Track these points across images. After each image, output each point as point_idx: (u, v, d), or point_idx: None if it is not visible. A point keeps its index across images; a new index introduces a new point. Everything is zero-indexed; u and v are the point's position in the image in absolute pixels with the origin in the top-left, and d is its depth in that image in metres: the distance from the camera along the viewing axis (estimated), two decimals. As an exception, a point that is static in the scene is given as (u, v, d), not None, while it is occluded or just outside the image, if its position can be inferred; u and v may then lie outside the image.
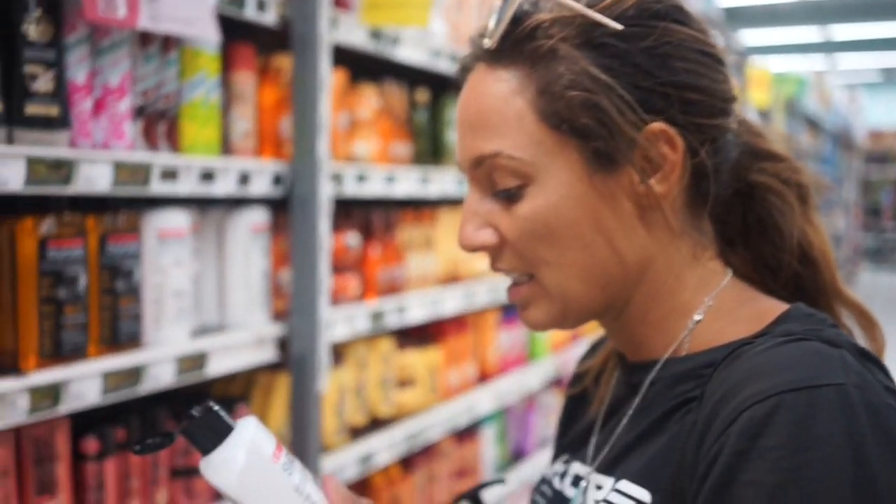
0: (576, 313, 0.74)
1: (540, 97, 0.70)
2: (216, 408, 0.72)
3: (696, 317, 0.72)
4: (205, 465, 0.72)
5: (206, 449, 0.71)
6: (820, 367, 0.60)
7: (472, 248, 0.76)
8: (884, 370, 0.65)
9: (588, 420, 0.84)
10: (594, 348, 0.92)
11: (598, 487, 0.73)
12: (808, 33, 11.69)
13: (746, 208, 0.78)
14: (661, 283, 0.72)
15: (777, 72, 7.91)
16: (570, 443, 0.86)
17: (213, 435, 0.71)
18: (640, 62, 0.69)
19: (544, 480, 0.84)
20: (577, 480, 0.78)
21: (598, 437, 0.79)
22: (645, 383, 0.73)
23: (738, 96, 0.75)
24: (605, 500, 0.70)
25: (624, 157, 0.69)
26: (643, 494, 0.67)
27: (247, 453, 0.71)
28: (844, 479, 0.56)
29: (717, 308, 0.72)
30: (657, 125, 0.69)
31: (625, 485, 0.69)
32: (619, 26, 0.69)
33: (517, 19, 0.72)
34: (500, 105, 0.71)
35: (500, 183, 0.72)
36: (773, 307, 0.71)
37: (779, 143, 0.80)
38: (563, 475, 0.81)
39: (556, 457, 0.89)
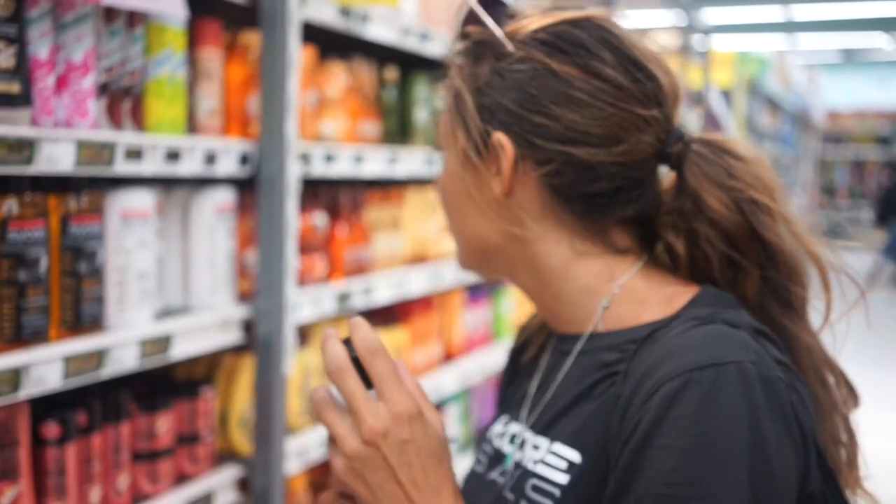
0: (467, 262, 0.91)
1: (448, 94, 0.87)
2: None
3: (604, 301, 0.82)
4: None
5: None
6: (723, 347, 0.70)
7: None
8: (776, 344, 0.75)
9: (525, 383, 0.92)
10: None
11: (535, 447, 0.82)
12: (770, 13, 11.79)
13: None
14: (545, 265, 0.84)
15: (739, 52, 7.98)
16: (508, 404, 0.95)
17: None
18: (495, 82, 0.82)
19: (486, 440, 0.93)
20: (513, 439, 0.87)
21: (532, 400, 0.88)
22: (573, 353, 0.83)
23: (614, 134, 0.79)
24: (541, 461, 0.79)
25: (474, 156, 0.83)
26: (574, 455, 0.76)
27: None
28: (742, 441, 0.66)
29: (626, 293, 0.82)
30: (495, 135, 0.82)
31: (558, 446, 0.78)
32: (506, 47, 0.83)
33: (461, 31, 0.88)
34: (447, 93, 0.88)
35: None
36: (682, 290, 0.81)
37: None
38: (502, 435, 0.89)
39: (496, 418, 0.96)
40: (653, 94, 0.80)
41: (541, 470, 0.79)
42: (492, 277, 0.91)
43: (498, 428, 0.91)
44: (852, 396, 0.83)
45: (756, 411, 0.67)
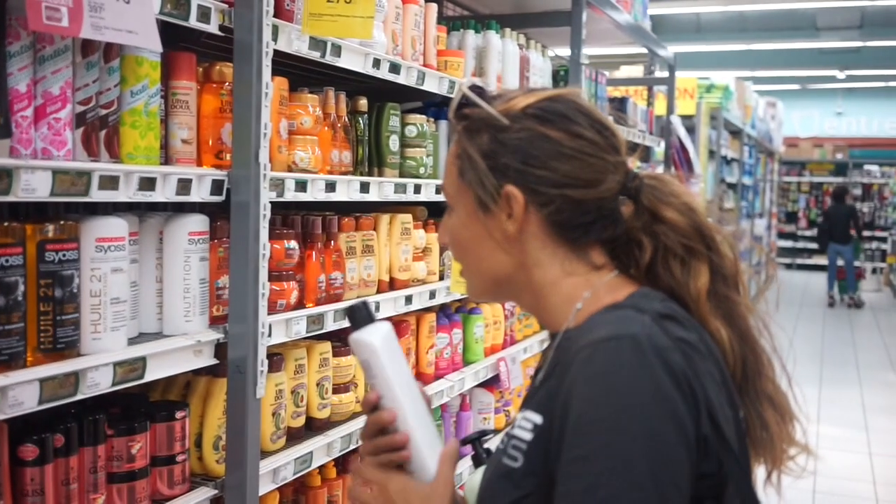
0: (481, 293, 1.12)
1: (456, 159, 1.10)
2: (368, 302, 1.09)
3: (578, 305, 1.05)
4: (356, 336, 1.07)
5: (359, 325, 1.08)
6: (624, 324, 0.95)
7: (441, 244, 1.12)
8: (685, 327, 0.98)
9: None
10: None
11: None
12: (732, 47, 12.15)
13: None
14: (541, 285, 1.07)
15: (701, 79, 8.19)
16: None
17: (366, 317, 1.08)
18: (499, 148, 1.05)
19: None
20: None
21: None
22: (554, 346, 1.05)
23: (596, 177, 1.04)
24: (518, 426, 1.00)
25: (490, 205, 1.06)
26: (538, 419, 0.98)
27: (389, 329, 1.09)
28: (636, 389, 0.89)
29: (593, 297, 1.05)
30: (507, 188, 1.04)
31: (528, 413, 1.00)
32: (503, 122, 1.05)
33: (457, 107, 1.10)
34: (449, 157, 1.12)
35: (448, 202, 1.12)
36: (622, 293, 1.04)
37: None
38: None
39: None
40: (616, 146, 1.07)
41: (516, 432, 1.00)
42: (498, 301, 1.13)
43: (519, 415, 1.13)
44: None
45: (647, 369, 0.90)
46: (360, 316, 1.08)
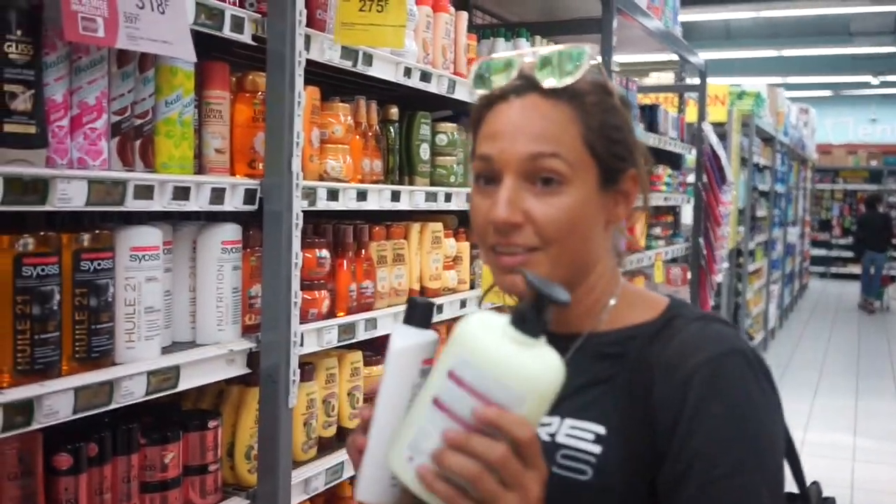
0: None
1: (586, 130, 0.96)
2: (432, 304, 0.92)
3: (613, 301, 1.00)
4: (395, 329, 0.93)
5: (408, 321, 0.93)
6: (732, 339, 0.94)
7: (505, 223, 0.93)
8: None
9: None
10: None
11: (548, 424, 0.96)
12: (763, 53, 12.03)
13: None
14: (597, 278, 1.00)
15: (733, 86, 8.10)
16: None
17: (417, 318, 0.92)
18: (624, 124, 0.99)
19: None
20: None
21: None
22: (571, 349, 0.97)
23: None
24: (567, 435, 0.94)
25: (617, 185, 0.98)
26: (599, 429, 0.93)
27: (411, 345, 0.91)
28: (760, 402, 0.91)
29: (622, 297, 1.01)
30: (633, 170, 0.99)
31: (580, 423, 0.94)
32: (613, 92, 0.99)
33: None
34: (560, 125, 0.95)
35: (545, 174, 0.94)
36: (657, 299, 1.02)
37: None
38: None
39: None
40: None
41: (570, 442, 0.94)
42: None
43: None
44: None
45: (759, 380, 0.92)
46: (413, 314, 0.94)
